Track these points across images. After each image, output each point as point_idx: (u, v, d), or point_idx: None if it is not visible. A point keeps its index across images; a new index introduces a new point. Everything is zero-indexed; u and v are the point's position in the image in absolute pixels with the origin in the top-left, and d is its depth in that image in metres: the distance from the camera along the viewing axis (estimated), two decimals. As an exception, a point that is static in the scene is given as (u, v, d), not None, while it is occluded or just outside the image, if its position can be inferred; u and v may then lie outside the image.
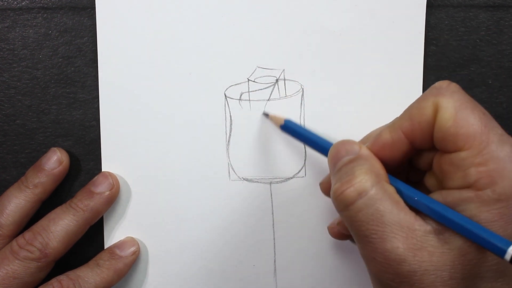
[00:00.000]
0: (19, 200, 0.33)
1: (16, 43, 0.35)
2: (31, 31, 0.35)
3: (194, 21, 0.35)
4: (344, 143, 0.28)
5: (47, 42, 0.35)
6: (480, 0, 0.35)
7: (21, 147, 0.36)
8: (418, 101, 0.27)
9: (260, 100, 0.35)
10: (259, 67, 0.35)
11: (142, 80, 0.35)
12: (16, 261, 0.32)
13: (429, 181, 0.28)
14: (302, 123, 0.35)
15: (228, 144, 0.35)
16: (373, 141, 0.28)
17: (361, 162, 0.26)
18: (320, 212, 0.36)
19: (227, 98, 0.35)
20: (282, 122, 0.34)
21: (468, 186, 0.24)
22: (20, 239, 0.32)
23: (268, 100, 0.35)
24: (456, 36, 0.35)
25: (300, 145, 0.35)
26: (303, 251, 0.36)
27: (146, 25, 0.35)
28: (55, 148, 0.35)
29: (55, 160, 0.34)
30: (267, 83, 0.35)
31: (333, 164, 0.28)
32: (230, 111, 0.35)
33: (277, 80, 0.35)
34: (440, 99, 0.25)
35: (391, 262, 0.24)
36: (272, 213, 0.36)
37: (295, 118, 0.35)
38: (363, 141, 0.31)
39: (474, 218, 0.24)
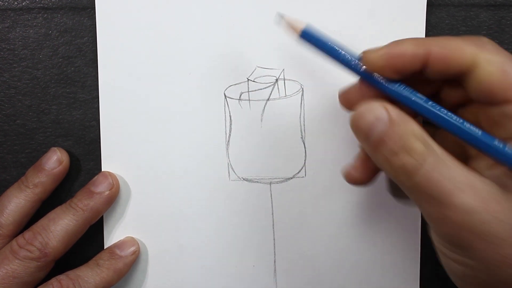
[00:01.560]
0: (19, 200, 0.33)
1: (17, 43, 0.35)
2: (31, 31, 0.35)
3: (194, 21, 0.35)
4: (370, 110, 0.26)
5: (47, 42, 0.35)
6: (481, -1, 0.35)
7: (21, 147, 0.36)
8: (460, 40, 0.26)
9: (260, 100, 0.35)
10: (259, 66, 0.35)
11: (142, 80, 0.35)
12: (16, 261, 0.32)
13: (450, 93, 0.28)
14: (302, 123, 0.35)
15: (228, 144, 0.35)
16: (391, 46, 0.27)
17: (403, 130, 0.25)
18: (320, 212, 0.36)
19: (227, 98, 0.35)
20: (300, 30, 0.29)
21: None
22: (20, 239, 0.32)
23: (268, 99, 0.35)
24: (457, 35, 0.35)
25: (300, 145, 0.35)
26: (303, 251, 0.36)
27: (146, 25, 0.35)
28: (55, 148, 0.35)
29: (55, 160, 0.34)
30: (267, 83, 0.35)
31: (363, 136, 0.26)
32: (229, 111, 0.35)
33: (277, 80, 0.35)
34: (485, 53, 0.25)
35: (464, 216, 0.24)
36: (272, 213, 0.36)
37: (295, 118, 0.35)
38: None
39: None
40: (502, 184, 0.24)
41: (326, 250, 0.36)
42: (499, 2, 0.35)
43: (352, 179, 0.31)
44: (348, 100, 0.30)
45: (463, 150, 0.28)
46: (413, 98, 0.27)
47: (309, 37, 0.29)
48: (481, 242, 0.24)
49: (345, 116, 0.35)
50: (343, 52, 0.28)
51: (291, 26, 0.29)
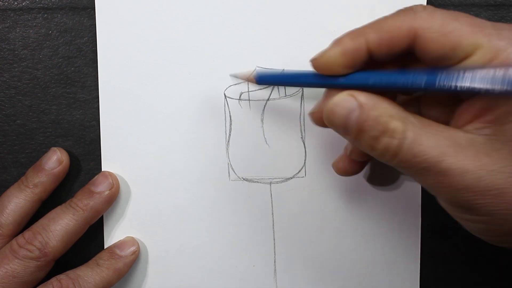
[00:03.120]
0: (19, 200, 0.33)
1: (17, 43, 0.35)
2: (31, 31, 0.35)
3: (194, 21, 0.35)
4: (339, 103, 0.26)
5: (47, 42, 0.35)
6: (481, -1, 0.35)
7: (21, 147, 0.36)
8: (393, 19, 0.26)
9: (260, 100, 0.35)
10: (258, 66, 0.35)
11: (142, 80, 0.35)
12: (16, 260, 0.32)
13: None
14: (302, 123, 0.35)
15: (228, 144, 0.35)
16: (333, 45, 0.27)
17: (377, 112, 0.25)
18: (320, 212, 0.36)
19: (227, 98, 0.35)
20: (254, 76, 0.31)
21: None
22: (20, 239, 0.32)
23: (268, 100, 0.35)
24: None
25: (300, 145, 0.35)
26: (303, 251, 0.36)
27: (146, 25, 0.35)
28: (55, 148, 0.35)
29: (55, 160, 0.34)
30: (266, 83, 0.35)
31: (342, 130, 0.27)
32: (229, 111, 0.35)
33: (276, 80, 0.35)
34: (421, 23, 0.25)
35: (457, 178, 0.24)
36: (272, 213, 0.36)
37: (295, 118, 0.35)
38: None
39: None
40: (485, 133, 0.24)
41: (326, 250, 0.36)
42: (498, 2, 0.35)
43: (340, 170, 0.32)
44: (320, 118, 0.30)
45: (444, 112, 0.28)
46: (370, 81, 0.26)
47: (263, 78, 0.31)
48: (482, 198, 0.24)
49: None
50: (299, 72, 0.29)
51: (246, 79, 0.32)
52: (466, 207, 0.25)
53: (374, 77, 0.26)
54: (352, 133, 0.26)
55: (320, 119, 0.29)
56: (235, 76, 0.32)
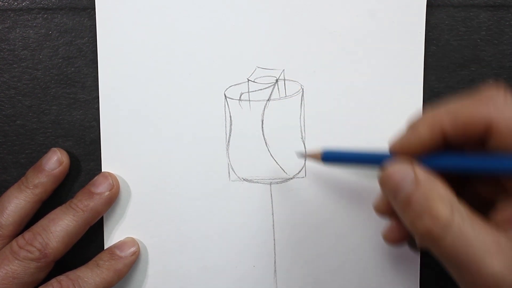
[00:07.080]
0: (19, 201, 0.33)
1: (17, 44, 0.35)
2: (31, 31, 0.35)
3: (194, 21, 0.35)
4: (397, 170, 0.26)
5: (47, 43, 0.35)
6: (480, 0, 0.35)
7: (21, 148, 0.36)
8: (469, 107, 0.26)
9: (260, 101, 0.35)
10: (259, 67, 0.35)
11: (142, 81, 0.35)
12: (16, 261, 0.32)
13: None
14: (302, 123, 0.35)
15: (228, 145, 0.35)
16: (410, 131, 0.27)
17: (428, 193, 0.25)
18: (320, 212, 0.36)
19: (227, 99, 0.35)
20: (320, 155, 0.32)
21: None
22: (20, 239, 0.32)
23: (268, 100, 0.35)
24: (456, 36, 0.35)
25: (300, 145, 0.35)
26: (303, 252, 0.36)
27: (146, 25, 0.35)
28: (55, 149, 0.35)
29: (55, 161, 0.34)
30: (267, 83, 0.35)
31: (392, 195, 0.27)
32: (230, 112, 0.35)
33: (277, 80, 0.35)
34: (497, 112, 0.25)
35: (493, 283, 0.23)
36: (272, 214, 0.36)
37: (295, 118, 0.35)
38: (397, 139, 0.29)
39: None
40: None
41: (326, 250, 0.36)
42: (498, 3, 0.35)
43: (390, 240, 0.31)
44: (384, 210, 0.31)
45: (484, 203, 0.28)
46: (450, 165, 0.27)
47: (330, 157, 0.31)
48: None
49: (345, 116, 0.35)
50: (368, 152, 0.30)
51: (312, 156, 0.32)
52: None
53: (452, 161, 0.27)
54: (399, 203, 0.26)
55: (384, 211, 0.30)
56: (300, 155, 0.35)
